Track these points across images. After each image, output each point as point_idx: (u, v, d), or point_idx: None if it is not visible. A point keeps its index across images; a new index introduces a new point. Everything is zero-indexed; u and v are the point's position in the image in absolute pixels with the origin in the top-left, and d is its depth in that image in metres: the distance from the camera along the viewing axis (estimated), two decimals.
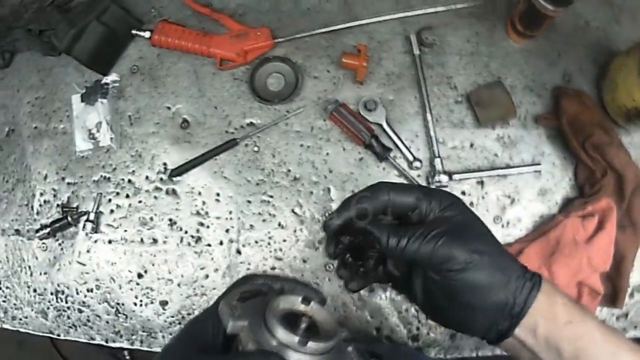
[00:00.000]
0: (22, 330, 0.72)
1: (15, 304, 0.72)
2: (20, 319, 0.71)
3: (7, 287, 0.73)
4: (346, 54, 0.66)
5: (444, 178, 0.65)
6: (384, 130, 0.67)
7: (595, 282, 0.62)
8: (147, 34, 0.69)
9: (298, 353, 0.30)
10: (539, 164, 0.67)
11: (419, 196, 0.40)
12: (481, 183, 0.67)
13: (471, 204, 0.66)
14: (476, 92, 0.67)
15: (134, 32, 0.70)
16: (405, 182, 0.67)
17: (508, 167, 0.67)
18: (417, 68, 0.67)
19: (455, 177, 0.66)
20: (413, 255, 0.37)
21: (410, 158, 0.66)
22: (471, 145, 0.67)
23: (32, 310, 0.71)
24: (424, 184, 0.66)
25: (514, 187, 0.67)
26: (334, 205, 0.67)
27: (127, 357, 1.32)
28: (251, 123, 0.69)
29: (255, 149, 0.68)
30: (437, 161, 0.65)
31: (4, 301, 0.72)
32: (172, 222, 0.69)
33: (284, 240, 0.67)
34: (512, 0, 0.68)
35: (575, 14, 0.72)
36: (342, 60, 0.66)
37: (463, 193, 0.66)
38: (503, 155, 0.67)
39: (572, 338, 0.36)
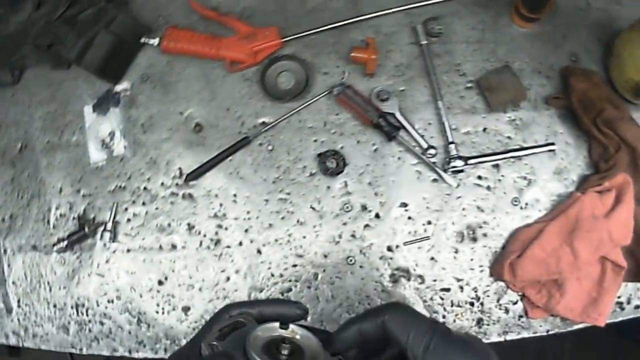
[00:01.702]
0: (43, 347, 0.71)
1: (35, 321, 0.71)
2: (42, 337, 0.70)
3: (26, 305, 0.72)
4: (355, 47, 0.67)
5: (459, 163, 0.65)
6: (398, 120, 0.67)
7: (617, 256, 0.61)
8: (156, 41, 0.70)
9: None
10: (552, 144, 0.67)
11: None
12: (497, 166, 0.67)
13: (488, 187, 0.66)
14: (485, 78, 0.68)
15: (142, 40, 0.71)
16: (422, 170, 0.67)
17: (522, 148, 0.67)
18: (425, 58, 0.68)
19: (470, 162, 0.66)
20: None
21: (425, 145, 0.66)
22: (484, 129, 0.68)
23: (53, 326, 0.70)
24: (439, 170, 0.65)
25: (530, 168, 0.67)
26: (352, 199, 0.67)
27: None
28: (264, 122, 0.69)
29: (270, 147, 0.69)
30: (452, 147, 0.66)
31: (24, 319, 0.72)
32: (190, 227, 0.68)
33: (304, 237, 0.66)
34: None
35: None
36: (352, 54, 0.67)
37: (479, 177, 0.66)
38: (516, 138, 0.67)
39: None
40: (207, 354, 0.32)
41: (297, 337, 0.33)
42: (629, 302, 0.65)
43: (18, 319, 0.72)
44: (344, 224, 0.66)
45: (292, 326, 0.33)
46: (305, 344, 0.33)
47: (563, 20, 0.72)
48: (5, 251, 0.73)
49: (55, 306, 0.71)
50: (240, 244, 0.67)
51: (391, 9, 0.69)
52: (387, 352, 0.35)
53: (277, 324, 0.33)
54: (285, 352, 0.32)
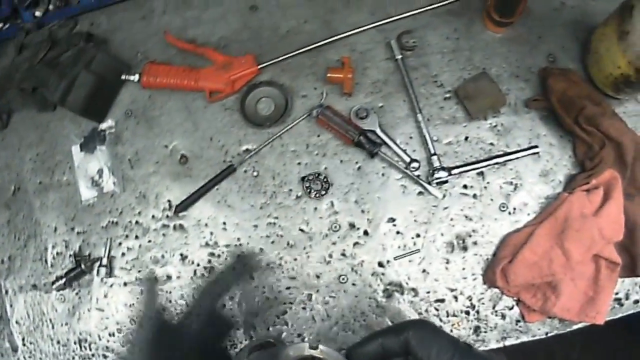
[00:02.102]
0: None
1: (40, 358, 0.73)
2: None
3: (30, 343, 0.73)
4: (331, 68, 0.68)
5: (443, 174, 0.65)
6: (379, 136, 0.67)
7: (611, 253, 0.61)
8: (136, 77, 0.71)
9: None
10: (536, 147, 0.67)
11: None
12: (481, 174, 0.67)
13: (474, 195, 0.66)
14: (463, 87, 0.68)
15: (123, 77, 0.72)
16: (407, 184, 0.67)
17: (506, 154, 0.67)
18: (401, 72, 0.68)
19: (454, 172, 0.66)
20: None
21: (408, 159, 0.67)
22: (466, 138, 0.68)
23: None
24: (424, 182, 0.66)
25: (515, 173, 0.67)
26: (340, 218, 0.67)
27: None
28: (247, 149, 0.70)
29: (255, 173, 0.69)
30: (434, 159, 0.66)
31: (29, 357, 0.73)
32: (183, 257, 0.69)
33: (295, 259, 0.67)
34: None
35: None
36: (328, 75, 0.67)
37: (465, 186, 0.67)
38: (499, 144, 0.68)
39: None
40: None
41: (326, 356, 0.34)
42: (627, 298, 0.64)
43: (24, 357, 0.73)
44: (334, 243, 0.67)
45: (320, 346, 0.35)
46: None
47: (537, 22, 0.72)
48: (6, 292, 0.75)
49: (59, 342, 0.72)
50: (234, 269, 0.68)
51: (364, 26, 0.69)
52: None
53: (306, 344, 0.35)
54: None
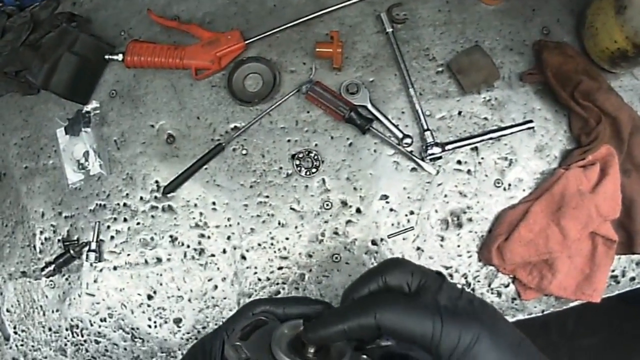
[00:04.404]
0: None
1: (33, 346, 0.72)
2: None
3: (22, 331, 0.72)
4: (319, 43, 0.66)
5: (437, 150, 0.64)
6: (370, 112, 0.66)
7: (607, 230, 0.60)
8: (120, 57, 0.69)
9: None
10: (531, 121, 0.65)
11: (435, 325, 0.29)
12: (475, 149, 0.66)
13: (469, 171, 0.65)
14: (455, 60, 0.66)
15: (106, 57, 0.70)
16: (399, 160, 0.66)
17: (500, 129, 0.65)
18: (392, 46, 0.67)
19: (448, 147, 0.64)
20: None
21: (400, 135, 0.65)
22: (459, 113, 0.66)
23: (51, 349, 0.71)
24: (417, 159, 0.64)
25: (510, 148, 0.65)
26: (331, 196, 0.66)
27: None
28: (235, 127, 0.68)
29: (244, 152, 0.68)
30: (427, 134, 0.64)
31: (21, 345, 0.72)
32: (173, 239, 0.68)
33: (287, 239, 0.66)
34: None
35: None
36: (316, 49, 0.65)
37: (459, 162, 0.65)
38: (493, 119, 0.66)
39: None
40: (230, 355, 0.32)
41: None
42: (623, 275, 0.64)
43: (16, 346, 0.72)
44: (326, 221, 0.65)
45: None
46: None
47: None
48: None
49: (50, 329, 0.71)
50: (224, 251, 0.67)
51: None
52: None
53: (301, 321, 0.33)
54: (311, 350, 0.31)
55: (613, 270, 0.63)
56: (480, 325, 0.29)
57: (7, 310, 0.74)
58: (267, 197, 0.67)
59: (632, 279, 0.63)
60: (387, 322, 0.29)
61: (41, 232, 0.72)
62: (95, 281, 0.70)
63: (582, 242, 0.61)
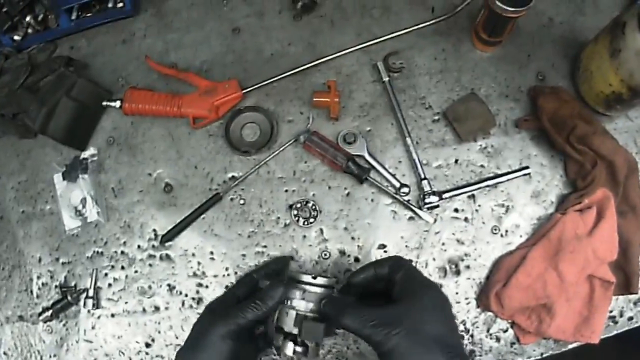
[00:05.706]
0: None
1: None
2: None
3: None
4: (316, 92, 0.66)
5: (434, 198, 0.64)
6: (367, 161, 0.66)
7: (605, 272, 0.61)
8: (117, 104, 0.69)
9: (312, 286, 0.50)
10: (527, 168, 0.66)
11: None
12: (472, 197, 0.66)
13: (466, 219, 0.65)
14: (452, 108, 0.67)
15: (104, 103, 0.70)
16: (397, 209, 0.66)
17: (497, 176, 0.66)
18: (389, 95, 0.67)
19: (445, 195, 0.65)
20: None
21: (397, 184, 0.66)
22: (456, 161, 0.67)
23: None
24: (414, 207, 0.65)
25: (507, 195, 0.66)
26: (329, 246, 0.66)
27: None
28: (233, 177, 0.69)
29: (242, 201, 0.68)
30: (425, 183, 0.65)
31: None
32: (171, 287, 0.68)
33: None
34: (473, 10, 0.68)
35: (537, 12, 0.71)
36: (314, 99, 0.66)
37: (456, 210, 0.65)
38: (490, 166, 0.66)
39: None
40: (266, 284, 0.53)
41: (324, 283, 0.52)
42: (621, 315, 0.64)
43: None
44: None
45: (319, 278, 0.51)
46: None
47: (526, 39, 0.70)
48: None
49: None
50: None
51: (349, 48, 0.68)
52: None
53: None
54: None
55: (611, 311, 0.63)
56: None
57: (4, 353, 0.73)
58: (265, 246, 0.67)
59: (630, 318, 0.63)
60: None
61: (38, 277, 0.72)
62: (92, 328, 0.69)
63: (579, 285, 0.61)
